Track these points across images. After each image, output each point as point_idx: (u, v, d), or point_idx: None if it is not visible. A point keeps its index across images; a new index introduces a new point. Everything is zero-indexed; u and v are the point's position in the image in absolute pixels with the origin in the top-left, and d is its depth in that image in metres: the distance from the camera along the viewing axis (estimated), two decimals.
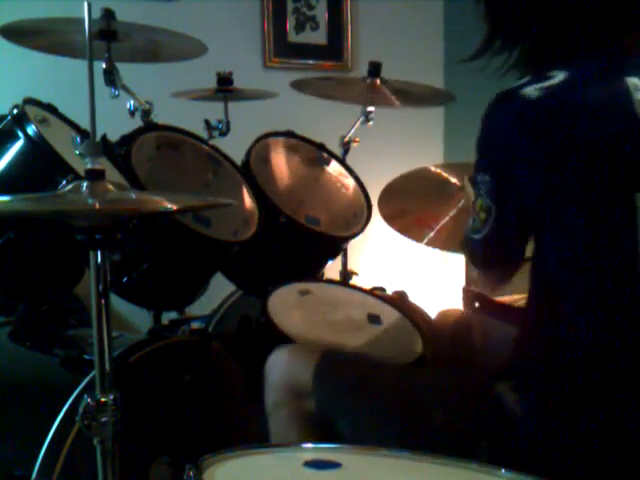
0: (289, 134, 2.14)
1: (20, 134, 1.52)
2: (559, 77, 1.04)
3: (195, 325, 2.14)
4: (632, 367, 1.01)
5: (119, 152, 1.65)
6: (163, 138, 1.83)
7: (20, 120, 1.52)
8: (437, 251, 3.28)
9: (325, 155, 2.19)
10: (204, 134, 2.15)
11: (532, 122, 1.04)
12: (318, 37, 3.03)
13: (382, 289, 2.07)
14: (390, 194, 2.07)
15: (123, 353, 1.52)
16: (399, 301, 1.92)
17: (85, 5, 1.03)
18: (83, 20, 1.03)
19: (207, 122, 2.23)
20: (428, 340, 1.66)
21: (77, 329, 1.79)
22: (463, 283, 2.10)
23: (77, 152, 1.06)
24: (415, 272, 3.23)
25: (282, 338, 1.55)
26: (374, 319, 1.73)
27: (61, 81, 2.16)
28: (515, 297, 1.54)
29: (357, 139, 2.28)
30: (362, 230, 2.05)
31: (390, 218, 2.04)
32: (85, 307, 1.87)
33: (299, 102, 2.56)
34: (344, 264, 2.29)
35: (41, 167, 1.53)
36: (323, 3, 3.00)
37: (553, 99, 1.03)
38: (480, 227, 1.13)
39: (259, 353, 1.43)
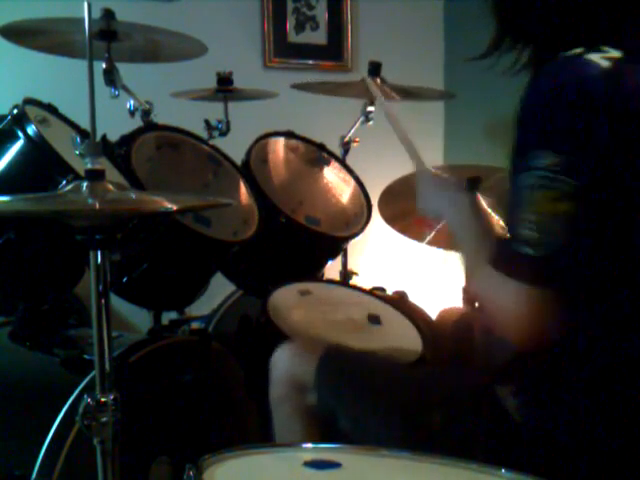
0: (289, 134, 2.14)
1: (20, 134, 1.52)
2: (614, 52, 0.96)
3: (195, 325, 2.14)
4: (638, 375, 1.01)
5: (119, 152, 1.65)
6: (163, 138, 1.83)
7: (20, 120, 1.52)
8: (437, 251, 3.29)
9: (325, 155, 2.18)
10: (204, 134, 2.15)
11: (609, 85, 0.93)
12: (318, 37, 3.03)
13: (382, 289, 2.07)
14: (390, 195, 2.08)
15: (123, 353, 1.52)
16: (399, 301, 1.92)
17: (85, 5, 1.03)
18: (83, 20, 1.04)
19: (207, 122, 2.23)
20: (428, 340, 1.66)
21: (77, 329, 1.79)
22: (463, 283, 2.10)
23: (77, 152, 1.06)
24: (415, 272, 3.22)
25: (282, 338, 1.55)
26: (374, 319, 1.73)
27: (61, 81, 2.16)
28: None
29: (357, 139, 2.29)
30: (362, 230, 2.04)
31: (390, 219, 2.05)
32: (85, 307, 1.87)
33: (299, 102, 2.56)
34: (344, 264, 2.29)
35: (41, 167, 1.53)
36: (323, 3, 3.00)
37: (625, 71, 0.94)
38: (538, 232, 0.92)
39: (259, 353, 1.43)
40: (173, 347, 1.64)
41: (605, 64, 0.95)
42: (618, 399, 1.01)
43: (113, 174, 1.56)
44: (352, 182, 2.16)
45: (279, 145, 2.12)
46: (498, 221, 2.01)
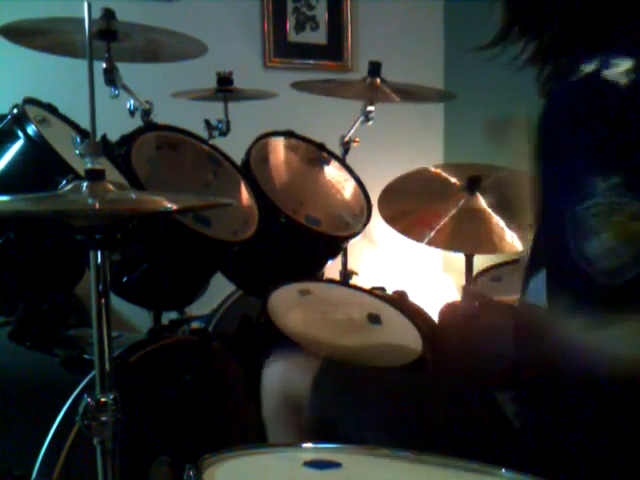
0: (289, 134, 2.14)
1: (20, 134, 1.52)
2: (626, 64, 0.93)
3: (195, 325, 2.14)
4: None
5: (119, 152, 1.65)
6: (163, 138, 1.83)
7: (20, 120, 1.52)
8: (437, 251, 3.29)
9: (325, 155, 2.18)
10: (204, 134, 2.15)
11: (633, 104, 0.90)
12: (318, 37, 3.03)
13: (382, 289, 2.07)
14: (390, 194, 2.08)
15: (123, 353, 1.52)
16: (399, 301, 1.92)
17: (85, 5, 1.03)
18: (83, 20, 1.04)
19: (207, 122, 2.23)
20: (428, 340, 1.66)
21: (77, 329, 1.79)
22: (463, 282, 2.10)
23: (77, 152, 1.06)
24: (415, 272, 3.23)
25: (282, 338, 1.54)
26: (374, 319, 1.73)
27: (61, 81, 2.16)
28: (515, 297, 1.54)
29: (357, 139, 2.29)
30: (362, 230, 2.05)
31: (390, 218, 2.05)
32: (85, 307, 1.87)
33: (299, 102, 2.56)
34: (344, 264, 2.29)
35: (41, 167, 1.53)
36: (323, 3, 3.00)
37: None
38: (616, 257, 0.87)
39: (259, 353, 1.43)
40: (173, 347, 1.63)
41: (623, 81, 0.92)
42: (618, 404, 1.01)
43: (113, 174, 1.56)
44: (352, 182, 2.16)
45: (279, 145, 2.12)
46: (497, 221, 2.01)
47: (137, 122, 1.87)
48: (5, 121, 1.56)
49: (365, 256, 3.04)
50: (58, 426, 1.39)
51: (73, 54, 1.80)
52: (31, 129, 1.51)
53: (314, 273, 2.06)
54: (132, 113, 1.88)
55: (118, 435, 1.04)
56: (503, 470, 0.87)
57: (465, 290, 1.94)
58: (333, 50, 3.06)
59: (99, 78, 1.72)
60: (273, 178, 2.02)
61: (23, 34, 1.81)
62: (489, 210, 2.02)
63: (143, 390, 1.49)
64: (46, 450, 1.38)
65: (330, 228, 1.99)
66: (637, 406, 1.00)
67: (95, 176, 1.04)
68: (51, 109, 1.67)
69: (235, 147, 1.98)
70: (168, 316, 1.99)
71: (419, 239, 2.05)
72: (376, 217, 2.07)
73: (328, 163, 2.18)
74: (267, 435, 1.30)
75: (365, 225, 2.05)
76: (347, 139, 2.28)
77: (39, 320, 1.74)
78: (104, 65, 1.78)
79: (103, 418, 1.03)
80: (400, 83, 2.28)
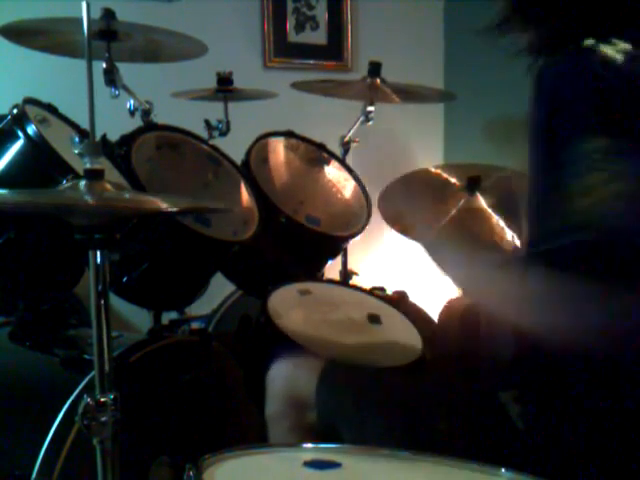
0: (289, 134, 2.14)
1: (20, 134, 1.52)
2: (623, 45, 0.94)
3: (195, 325, 2.14)
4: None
5: (119, 152, 1.65)
6: (163, 138, 1.83)
7: (20, 120, 1.52)
8: None
9: (325, 155, 2.19)
10: (204, 134, 2.15)
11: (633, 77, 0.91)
12: (318, 37, 3.03)
13: (382, 289, 2.07)
14: (390, 195, 2.07)
15: (123, 353, 1.52)
16: (399, 301, 1.92)
17: (85, 5, 1.03)
18: (83, 20, 1.04)
19: (207, 122, 2.23)
20: (428, 340, 1.66)
21: (77, 329, 1.79)
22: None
23: (76, 152, 1.06)
24: (415, 272, 3.22)
25: (282, 338, 1.54)
26: (374, 319, 1.73)
27: (61, 81, 2.16)
28: None
29: (357, 139, 2.29)
30: (362, 230, 2.04)
31: (390, 218, 2.04)
32: (85, 307, 1.87)
33: (299, 102, 2.56)
34: (344, 264, 2.29)
35: (41, 167, 1.53)
36: (323, 3, 3.00)
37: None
38: (602, 217, 0.90)
39: (259, 353, 1.43)
40: (173, 347, 1.63)
41: (620, 57, 0.93)
42: (621, 404, 1.01)
43: (113, 174, 1.56)
44: (352, 182, 2.16)
45: (279, 145, 2.12)
46: (498, 221, 2.01)
47: (137, 122, 1.87)
48: (5, 121, 1.55)
49: (365, 256, 3.04)
50: (58, 426, 1.39)
51: (73, 54, 1.80)
52: (31, 129, 1.51)
53: (314, 273, 2.06)
54: (132, 113, 1.88)
55: (118, 435, 1.04)
56: (503, 470, 0.87)
57: (465, 290, 1.94)
58: (333, 50, 3.06)
59: (99, 78, 1.72)
60: (273, 178, 2.02)
61: (23, 34, 1.81)
62: (489, 210, 2.02)
63: (143, 390, 1.49)
64: (46, 450, 1.38)
65: (330, 228, 1.99)
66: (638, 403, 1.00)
67: (94, 175, 1.04)
68: (51, 109, 1.67)
69: (235, 147, 1.98)
70: (168, 316, 1.99)
71: (419, 239, 2.04)
72: (376, 217, 2.07)
73: (328, 163, 2.18)
74: (269, 436, 1.30)
75: (365, 225, 2.05)
76: (347, 139, 2.28)
77: (39, 320, 1.74)
78: (104, 65, 1.78)
79: (103, 418, 1.03)
80: (400, 83, 2.28)
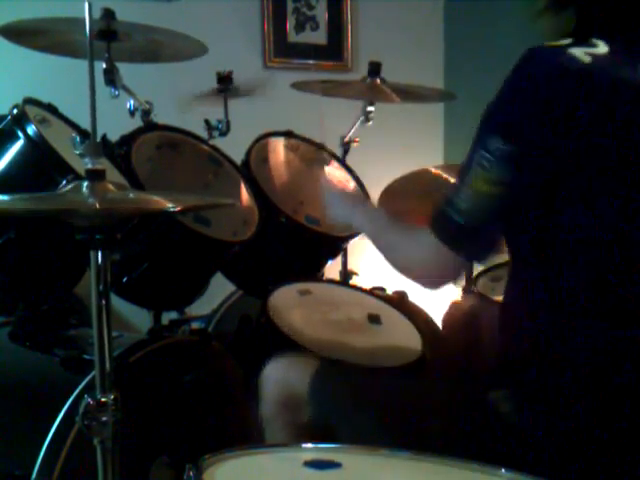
0: (289, 134, 2.14)
1: (20, 134, 1.52)
2: (602, 47, 0.97)
3: (195, 325, 2.14)
4: (633, 375, 1.00)
5: (119, 152, 1.65)
6: (163, 138, 1.83)
7: (20, 120, 1.52)
8: None
9: (325, 155, 2.19)
10: (204, 134, 2.15)
11: (582, 83, 0.95)
12: (318, 37, 3.03)
13: (382, 289, 2.07)
14: (390, 195, 2.07)
15: (123, 353, 1.52)
16: (399, 301, 1.92)
17: (86, 5, 1.03)
18: (83, 20, 1.04)
19: (207, 122, 2.23)
20: (428, 340, 1.66)
21: (77, 329, 1.79)
22: (463, 282, 2.10)
23: (77, 152, 1.06)
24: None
25: (282, 338, 1.55)
26: (374, 319, 1.73)
27: (61, 81, 2.16)
28: None
29: (357, 139, 2.29)
30: None
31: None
32: (85, 307, 1.87)
33: (299, 102, 2.56)
34: (344, 264, 2.29)
35: (41, 167, 1.53)
36: (323, 3, 3.00)
37: (603, 69, 0.96)
38: (470, 205, 1.02)
39: (259, 353, 1.43)
40: (173, 347, 1.63)
41: (587, 60, 0.96)
42: (612, 398, 1.01)
43: (113, 174, 1.56)
44: (352, 182, 2.16)
45: (279, 145, 2.12)
46: None
47: (137, 122, 1.87)
48: (5, 121, 1.56)
49: (365, 256, 3.03)
50: (58, 426, 1.39)
51: (73, 54, 1.80)
52: (31, 129, 1.51)
53: (314, 273, 2.06)
54: (132, 113, 1.88)
55: (118, 435, 1.04)
56: (503, 470, 0.87)
57: (465, 290, 1.94)
58: (333, 50, 3.05)
59: (99, 78, 1.72)
60: (273, 178, 2.02)
61: (23, 34, 1.81)
62: None
63: (143, 390, 1.49)
64: (46, 450, 1.38)
65: (330, 228, 1.99)
66: (632, 400, 1.00)
67: (95, 176, 1.04)
68: (51, 109, 1.67)
69: (235, 147, 1.98)
70: (168, 316, 1.99)
71: None
72: None
73: (328, 163, 2.18)
74: (265, 434, 1.30)
75: None
76: (347, 139, 2.28)
77: (39, 320, 1.74)
78: (104, 65, 1.78)
79: (103, 418, 1.03)
80: (400, 83, 2.28)
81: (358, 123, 2.29)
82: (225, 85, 2.26)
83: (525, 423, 1.06)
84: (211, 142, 2.00)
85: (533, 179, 0.99)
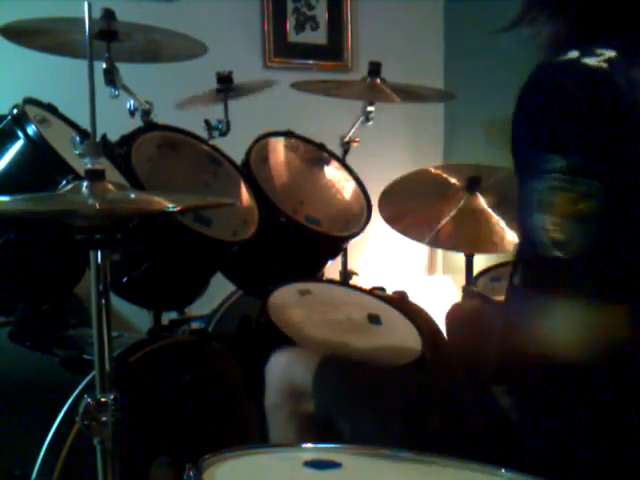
0: (289, 134, 2.14)
1: (20, 134, 1.52)
2: (609, 53, 0.95)
3: (195, 325, 2.14)
4: (635, 370, 1.00)
5: (119, 152, 1.65)
6: (163, 138, 1.83)
7: (20, 120, 1.52)
8: (437, 251, 3.29)
9: (325, 155, 2.19)
10: (204, 134, 2.15)
11: (611, 83, 0.92)
12: (318, 37, 3.03)
13: (382, 289, 2.07)
14: (390, 195, 2.07)
15: (123, 353, 1.52)
16: (399, 301, 1.92)
17: (85, 5, 1.03)
18: (83, 20, 1.04)
19: (207, 122, 2.22)
20: (428, 340, 1.66)
21: (77, 329, 1.79)
22: (463, 282, 2.10)
23: (77, 152, 1.06)
24: (415, 272, 3.23)
25: (282, 338, 1.55)
26: (374, 319, 1.73)
27: (61, 81, 2.16)
28: None
29: (357, 139, 2.29)
30: (362, 230, 2.05)
31: (390, 218, 2.04)
32: (85, 307, 1.87)
33: (299, 102, 2.56)
34: (344, 264, 2.29)
35: (41, 167, 1.53)
36: (323, 3, 3.01)
37: (622, 71, 0.93)
38: (571, 235, 0.89)
39: (259, 353, 1.43)
40: (173, 347, 1.63)
41: (603, 66, 0.94)
42: (614, 395, 1.01)
43: (113, 174, 1.56)
44: (352, 182, 2.16)
45: (279, 145, 2.12)
46: (498, 221, 2.01)
47: (137, 122, 1.87)
48: (5, 121, 1.55)
49: (365, 256, 3.04)
50: (58, 426, 1.39)
51: (73, 54, 1.80)
52: (31, 129, 1.51)
53: (314, 273, 2.06)
54: (132, 113, 1.88)
55: (118, 435, 1.04)
56: (503, 470, 0.87)
57: (465, 290, 1.94)
58: (333, 50, 3.06)
59: (99, 78, 1.72)
60: (273, 178, 2.03)
61: (23, 34, 1.81)
62: (489, 210, 2.02)
63: (143, 390, 1.49)
64: (46, 450, 1.38)
65: (330, 228, 1.99)
66: (632, 398, 1.00)
67: (95, 176, 1.04)
68: (51, 109, 1.67)
69: (235, 147, 1.98)
70: (168, 316, 1.99)
71: (419, 239, 2.05)
72: (376, 217, 2.08)
73: (328, 163, 2.18)
74: (268, 427, 1.30)
75: (365, 225, 2.05)
76: (347, 139, 2.28)
77: (39, 320, 1.74)
78: (104, 65, 1.78)
79: (103, 418, 1.03)
80: (400, 83, 2.28)
81: (358, 123, 2.29)
82: (225, 85, 2.26)
83: (525, 417, 1.06)
84: (211, 142, 2.00)
85: (617, 181, 0.90)
